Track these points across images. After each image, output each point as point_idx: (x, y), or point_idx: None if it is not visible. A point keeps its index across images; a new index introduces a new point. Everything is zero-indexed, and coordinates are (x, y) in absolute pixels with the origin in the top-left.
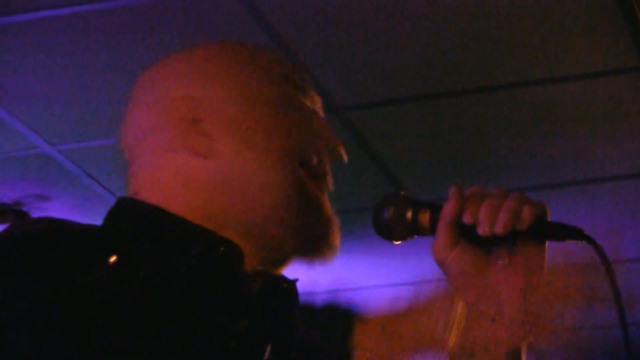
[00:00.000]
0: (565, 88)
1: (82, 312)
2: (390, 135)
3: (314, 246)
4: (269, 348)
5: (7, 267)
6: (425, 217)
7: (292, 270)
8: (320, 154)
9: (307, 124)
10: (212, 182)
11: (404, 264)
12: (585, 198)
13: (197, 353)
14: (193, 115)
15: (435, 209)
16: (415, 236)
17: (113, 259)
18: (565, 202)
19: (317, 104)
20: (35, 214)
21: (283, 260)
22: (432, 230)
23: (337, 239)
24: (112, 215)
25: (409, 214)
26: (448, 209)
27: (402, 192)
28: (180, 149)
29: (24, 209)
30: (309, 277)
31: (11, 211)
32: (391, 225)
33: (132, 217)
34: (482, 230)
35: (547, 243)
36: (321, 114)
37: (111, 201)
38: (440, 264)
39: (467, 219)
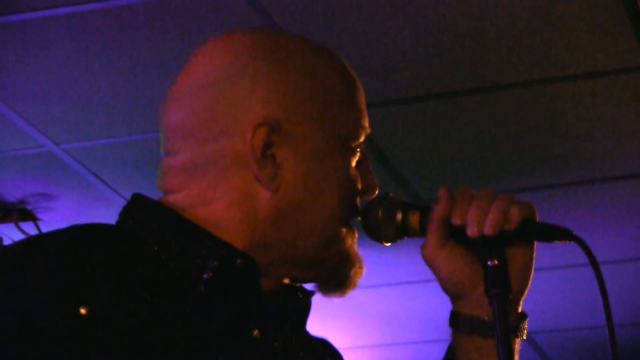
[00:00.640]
0: (569, 87)
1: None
2: (396, 134)
3: (336, 285)
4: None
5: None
6: (414, 219)
7: None
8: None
9: (362, 164)
10: (266, 212)
11: (409, 263)
12: (589, 197)
13: (212, 359)
14: (268, 140)
15: (425, 211)
16: (405, 237)
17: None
18: (570, 201)
19: (367, 134)
20: (39, 213)
21: (304, 282)
22: (421, 231)
23: (358, 279)
24: (128, 215)
25: (399, 216)
26: (437, 211)
27: (391, 195)
28: (246, 169)
29: (29, 207)
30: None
31: (16, 210)
32: (381, 227)
33: (146, 220)
34: (471, 231)
35: (535, 244)
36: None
37: (116, 200)
38: (430, 264)
39: (455, 220)
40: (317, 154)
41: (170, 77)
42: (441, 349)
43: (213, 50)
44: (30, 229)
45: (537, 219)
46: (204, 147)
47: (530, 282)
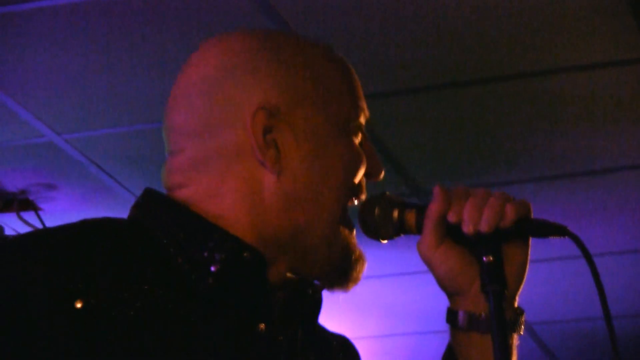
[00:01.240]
0: (570, 79)
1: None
2: (397, 126)
3: (340, 279)
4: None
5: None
6: (411, 217)
7: None
8: (364, 190)
9: (364, 147)
10: (273, 199)
11: (409, 254)
12: (589, 189)
13: (216, 352)
14: (269, 123)
15: (421, 209)
16: (402, 235)
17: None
18: (569, 193)
19: (366, 117)
20: (41, 203)
21: (309, 277)
22: (418, 229)
23: (361, 273)
24: (139, 209)
25: (395, 214)
26: (433, 208)
27: (388, 193)
28: (250, 156)
29: (30, 197)
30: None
31: (17, 200)
32: (378, 225)
33: (157, 214)
34: (467, 228)
35: (530, 240)
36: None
37: (117, 190)
38: (427, 262)
39: (451, 217)
40: (318, 137)
41: (172, 68)
42: (441, 339)
43: (210, 50)
44: (32, 218)
45: (532, 216)
46: (207, 142)
47: (525, 278)
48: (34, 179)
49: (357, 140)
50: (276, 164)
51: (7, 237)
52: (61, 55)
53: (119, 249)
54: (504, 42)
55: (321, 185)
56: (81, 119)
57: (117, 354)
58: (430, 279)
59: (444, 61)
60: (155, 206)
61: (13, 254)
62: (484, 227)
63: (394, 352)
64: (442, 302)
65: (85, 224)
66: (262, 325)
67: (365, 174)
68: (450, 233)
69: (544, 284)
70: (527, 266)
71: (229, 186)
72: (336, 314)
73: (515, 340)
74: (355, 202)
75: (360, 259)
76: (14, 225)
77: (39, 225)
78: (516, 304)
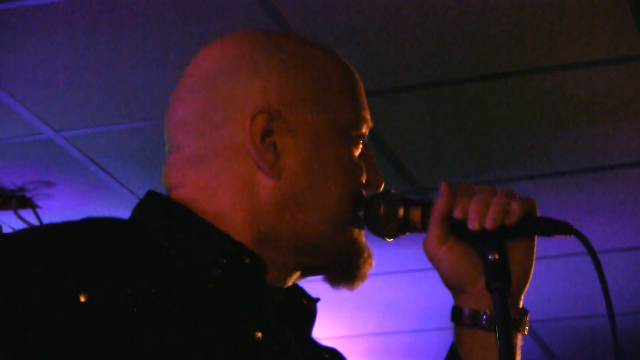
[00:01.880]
0: (570, 75)
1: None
2: (397, 123)
3: (346, 276)
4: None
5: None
6: (416, 214)
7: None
8: (365, 187)
9: (365, 156)
10: (269, 200)
11: (408, 252)
12: (589, 186)
13: (212, 356)
14: (268, 127)
15: (426, 206)
16: (407, 233)
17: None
18: (570, 190)
19: (369, 127)
20: (39, 200)
21: (315, 274)
22: (423, 226)
23: (368, 271)
24: (141, 211)
25: (401, 212)
26: (439, 205)
27: (393, 191)
28: (247, 158)
29: (28, 195)
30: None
31: (15, 197)
32: (383, 223)
33: (158, 216)
34: (472, 225)
35: (536, 238)
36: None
37: (115, 187)
38: (432, 259)
39: (457, 214)
40: (318, 141)
41: (171, 65)
42: (440, 337)
43: (214, 49)
44: (30, 216)
45: (538, 214)
46: (206, 139)
47: (530, 276)
48: (32, 177)
49: (358, 150)
50: (274, 167)
51: (10, 233)
52: (59, 52)
53: (122, 248)
54: (504, 40)
55: (320, 188)
56: (79, 117)
57: (117, 350)
58: (429, 276)
59: (444, 58)
60: (157, 208)
61: (15, 248)
62: (489, 224)
63: (393, 350)
64: (440, 299)
65: (88, 222)
66: (259, 334)
67: (365, 184)
68: (456, 230)
69: (543, 281)
70: (533, 264)
71: (226, 185)
72: (335, 312)
73: (520, 340)
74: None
75: (368, 258)
76: (12, 223)
77: (37, 223)
78: (521, 303)
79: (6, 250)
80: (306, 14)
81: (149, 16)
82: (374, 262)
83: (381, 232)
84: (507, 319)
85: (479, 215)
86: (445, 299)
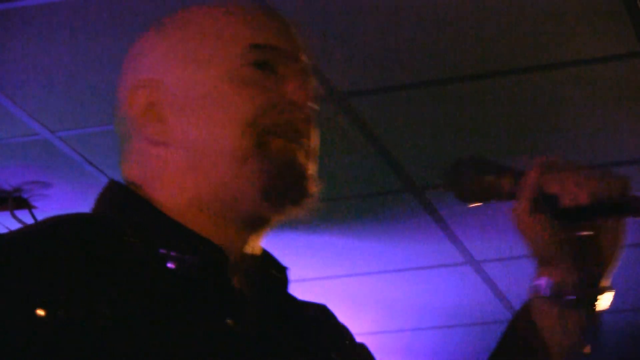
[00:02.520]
0: (566, 74)
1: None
2: (392, 121)
3: (289, 194)
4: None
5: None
6: (506, 182)
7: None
8: (288, 114)
9: (268, 90)
10: (175, 168)
11: (406, 251)
12: None
13: (187, 350)
14: (149, 100)
15: (517, 175)
16: (492, 200)
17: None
18: None
19: (299, 62)
20: (35, 201)
21: (267, 223)
22: (511, 195)
23: (311, 187)
24: (103, 201)
25: (490, 177)
26: (532, 177)
27: (481, 156)
28: (139, 137)
29: (25, 195)
30: (319, 263)
31: (11, 198)
32: (471, 187)
33: (119, 207)
34: (566, 200)
35: (626, 218)
36: (304, 71)
37: None
38: (522, 231)
39: (550, 188)
40: (194, 93)
41: None
42: (438, 335)
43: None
44: (26, 217)
45: (632, 194)
46: (117, 128)
47: (619, 256)
48: (28, 177)
49: (261, 78)
50: (163, 136)
51: None
52: (55, 52)
53: (81, 249)
54: (501, 38)
55: (217, 138)
56: (75, 117)
57: (78, 355)
58: (427, 275)
59: (442, 57)
60: (117, 198)
61: None
62: (583, 200)
63: (391, 349)
64: (437, 298)
65: (48, 225)
66: (230, 321)
67: (287, 101)
68: (546, 204)
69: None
70: (622, 245)
71: (138, 166)
72: (333, 310)
73: (599, 317)
74: (294, 137)
75: (305, 172)
76: (8, 223)
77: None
78: (608, 283)
79: None
80: (302, 13)
81: (145, 17)
82: (315, 180)
83: (467, 196)
84: (590, 297)
85: (574, 191)
86: (442, 298)
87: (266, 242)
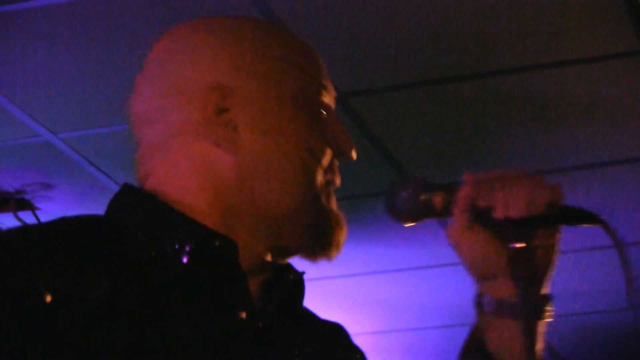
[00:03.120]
0: (565, 72)
1: (80, 311)
2: (393, 121)
3: (320, 246)
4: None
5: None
6: (439, 200)
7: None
8: (335, 156)
9: (331, 125)
10: (230, 177)
11: (407, 250)
12: (585, 183)
13: (197, 343)
14: (221, 105)
15: (449, 192)
16: (427, 218)
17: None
18: (565, 186)
19: (333, 97)
20: (37, 202)
21: (287, 254)
22: (445, 212)
23: (342, 238)
24: (115, 204)
25: (423, 196)
26: (464, 193)
27: (415, 175)
28: (203, 137)
29: (27, 197)
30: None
31: (13, 199)
32: (404, 207)
33: (130, 208)
34: (498, 213)
35: (561, 227)
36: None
37: (114, 189)
38: (457, 246)
39: (482, 202)
40: (273, 114)
41: None
42: (440, 335)
43: (160, 40)
44: (29, 218)
45: (564, 203)
46: (162, 127)
47: (555, 265)
48: (30, 179)
49: (322, 119)
50: (231, 143)
51: None
52: (57, 54)
53: (91, 245)
54: (501, 38)
55: (278, 159)
56: (78, 118)
57: (89, 348)
58: (429, 274)
59: (441, 57)
60: (128, 199)
61: None
62: (514, 212)
63: (393, 348)
64: (441, 297)
65: (59, 222)
66: (243, 314)
67: (337, 153)
68: (479, 218)
69: None
70: (557, 253)
71: (186, 169)
72: (335, 310)
73: (543, 327)
74: (327, 183)
75: (339, 224)
76: (11, 225)
77: None
78: (545, 291)
79: None
80: (301, 14)
81: (146, 18)
82: (346, 230)
83: (402, 217)
84: (530, 308)
85: (505, 203)
86: (444, 298)
87: None
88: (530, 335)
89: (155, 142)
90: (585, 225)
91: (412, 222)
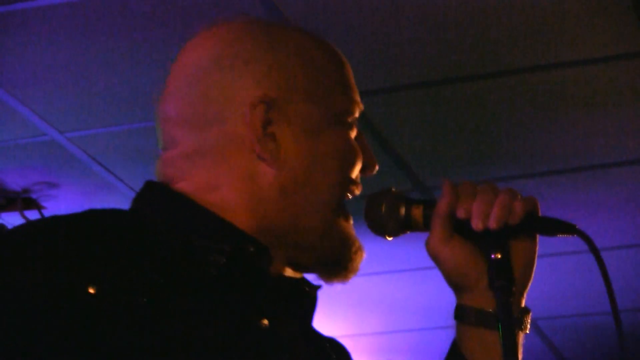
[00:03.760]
0: (570, 73)
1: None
2: (399, 121)
3: (338, 270)
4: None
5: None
6: (418, 213)
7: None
8: (360, 170)
9: (360, 140)
10: (271, 190)
11: (411, 250)
12: (590, 184)
13: (220, 345)
14: (267, 117)
15: (428, 205)
16: (408, 232)
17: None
18: (570, 188)
19: (360, 110)
20: (44, 201)
21: (304, 270)
22: (425, 225)
23: (359, 264)
24: (144, 201)
25: (402, 210)
26: (442, 204)
27: (394, 189)
28: (248, 149)
29: (33, 196)
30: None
31: (20, 199)
32: (385, 221)
33: (165, 206)
34: (476, 224)
35: (538, 236)
36: None
37: (119, 188)
38: (435, 258)
39: (460, 213)
40: (315, 130)
41: None
42: (444, 335)
43: (204, 40)
44: (35, 217)
45: (540, 213)
46: (204, 133)
47: (532, 275)
48: (36, 178)
49: (353, 133)
50: (275, 156)
51: (16, 227)
52: (63, 53)
53: (126, 239)
54: (505, 38)
55: (319, 178)
56: (84, 117)
57: (127, 340)
58: (432, 275)
59: (445, 57)
60: (158, 198)
61: (21, 245)
62: (492, 223)
63: (396, 349)
64: (444, 298)
65: (91, 214)
66: (265, 321)
67: (361, 168)
68: (458, 229)
69: (547, 279)
70: (535, 263)
71: (227, 178)
72: (339, 311)
73: (522, 338)
74: (350, 196)
75: (359, 250)
76: (17, 224)
77: None
78: (524, 302)
79: (12, 248)
80: (307, 13)
81: (152, 17)
82: (364, 255)
83: (382, 230)
84: (510, 318)
85: (483, 215)
86: (449, 298)
87: None
88: (509, 345)
89: (195, 149)
90: (561, 235)
91: (393, 235)
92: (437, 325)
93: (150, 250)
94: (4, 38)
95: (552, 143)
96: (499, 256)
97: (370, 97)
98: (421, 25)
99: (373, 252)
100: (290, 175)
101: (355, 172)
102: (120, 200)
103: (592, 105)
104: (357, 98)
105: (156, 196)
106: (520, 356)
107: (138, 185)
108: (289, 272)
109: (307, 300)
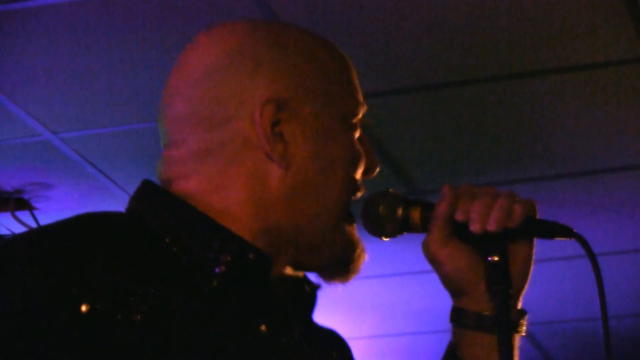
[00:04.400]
0: (569, 78)
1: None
2: (396, 125)
3: (340, 271)
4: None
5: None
6: (416, 214)
7: None
8: (362, 173)
9: (364, 143)
10: (278, 191)
11: (404, 254)
12: (589, 189)
13: (219, 353)
14: (276, 117)
15: (426, 207)
16: (405, 233)
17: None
18: (569, 192)
19: (364, 111)
20: (36, 202)
21: (306, 270)
22: (422, 227)
23: (361, 263)
24: (141, 205)
25: (400, 211)
26: (441, 207)
27: (391, 190)
28: (257, 149)
29: (25, 197)
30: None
31: (12, 199)
32: (382, 223)
33: (163, 211)
34: (475, 227)
35: (535, 240)
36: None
37: (113, 189)
38: (432, 261)
39: (459, 216)
40: (324, 131)
41: (169, 66)
42: (438, 339)
43: (210, 40)
44: (27, 218)
45: (538, 216)
46: (212, 133)
47: (529, 278)
48: (29, 178)
49: (357, 135)
50: (284, 157)
51: (5, 240)
52: (57, 54)
53: (120, 248)
54: (504, 42)
55: (326, 180)
56: (77, 118)
57: (122, 357)
58: (427, 278)
59: (444, 60)
60: (156, 200)
61: (10, 257)
62: (491, 226)
63: (391, 353)
64: (439, 302)
65: (82, 220)
66: (264, 327)
67: (363, 171)
68: (456, 231)
69: (541, 284)
70: (532, 266)
71: (234, 178)
72: (333, 314)
73: (518, 342)
74: (354, 198)
75: (362, 252)
76: (9, 224)
77: (34, 225)
78: (520, 305)
79: (3, 259)
80: (305, 15)
81: (147, 18)
82: (366, 257)
83: (379, 231)
84: (509, 321)
85: (482, 217)
86: (443, 301)
87: None
88: (506, 349)
89: (204, 146)
90: (559, 238)
91: (390, 237)
92: (432, 329)
93: (147, 259)
94: None
95: (551, 147)
96: (497, 259)
97: (367, 99)
98: (419, 28)
99: (368, 255)
100: (299, 176)
101: (359, 175)
102: (113, 202)
103: (591, 110)
104: (361, 98)
105: (154, 200)
106: (516, 359)
107: (131, 187)
108: (289, 271)
109: (308, 299)
